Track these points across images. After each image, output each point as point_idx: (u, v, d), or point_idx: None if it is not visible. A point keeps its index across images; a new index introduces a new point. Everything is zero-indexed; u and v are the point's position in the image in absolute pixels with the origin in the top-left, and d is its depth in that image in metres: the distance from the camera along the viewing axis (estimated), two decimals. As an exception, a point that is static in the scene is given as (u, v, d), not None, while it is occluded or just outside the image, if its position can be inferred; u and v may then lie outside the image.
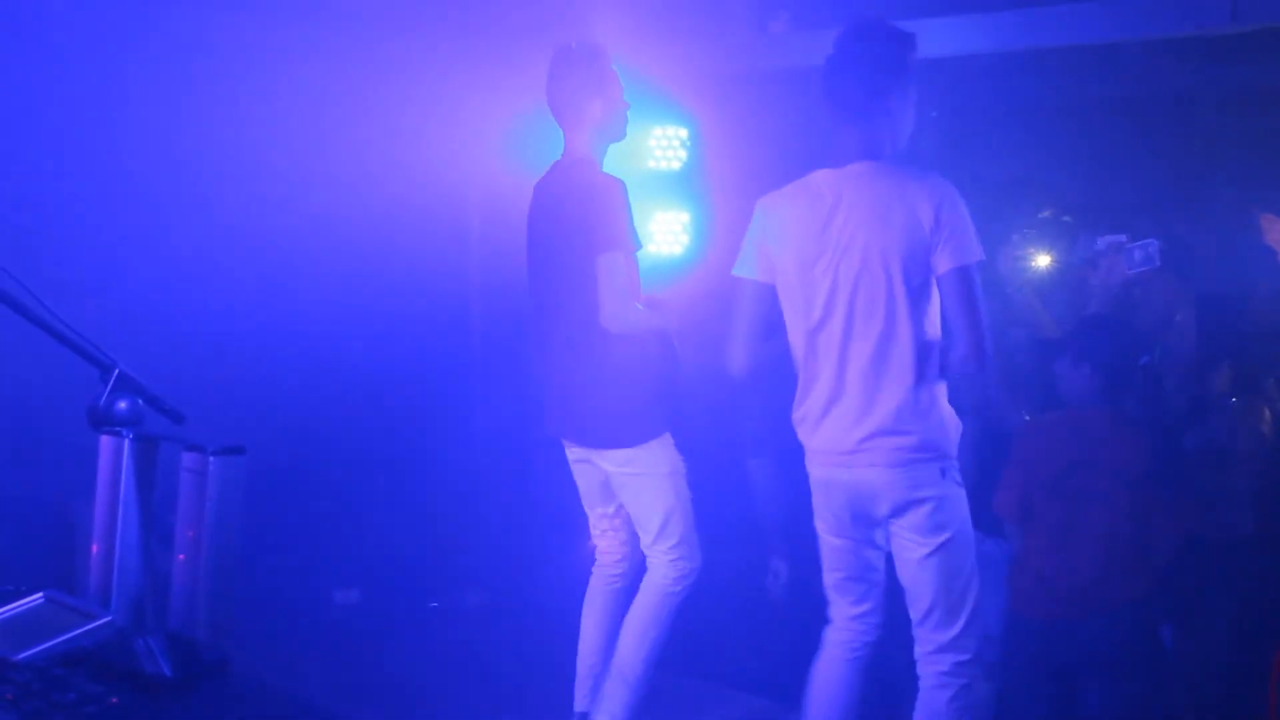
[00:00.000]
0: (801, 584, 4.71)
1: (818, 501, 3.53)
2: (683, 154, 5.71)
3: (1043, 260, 5.07)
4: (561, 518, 5.98)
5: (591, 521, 4.23)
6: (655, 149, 5.64)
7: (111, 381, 2.31)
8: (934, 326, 3.35)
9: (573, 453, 4.14)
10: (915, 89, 3.43)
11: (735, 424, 3.98)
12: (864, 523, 3.47)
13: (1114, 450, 3.93)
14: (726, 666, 4.22)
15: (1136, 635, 3.89)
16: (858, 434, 3.34)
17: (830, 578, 3.62)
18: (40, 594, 2.18)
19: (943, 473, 3.33)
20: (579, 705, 4.19)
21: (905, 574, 3.46)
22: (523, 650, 5.24)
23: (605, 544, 4.22)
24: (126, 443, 2.25)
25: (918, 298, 3.27)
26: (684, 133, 5.70)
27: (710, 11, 6.01)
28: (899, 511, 3.36)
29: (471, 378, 6.00)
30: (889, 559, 3.57)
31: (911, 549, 3.39)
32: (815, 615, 3.93)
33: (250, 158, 4.93)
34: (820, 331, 3.37)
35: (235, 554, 2.19)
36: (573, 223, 3.90)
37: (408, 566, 5.58)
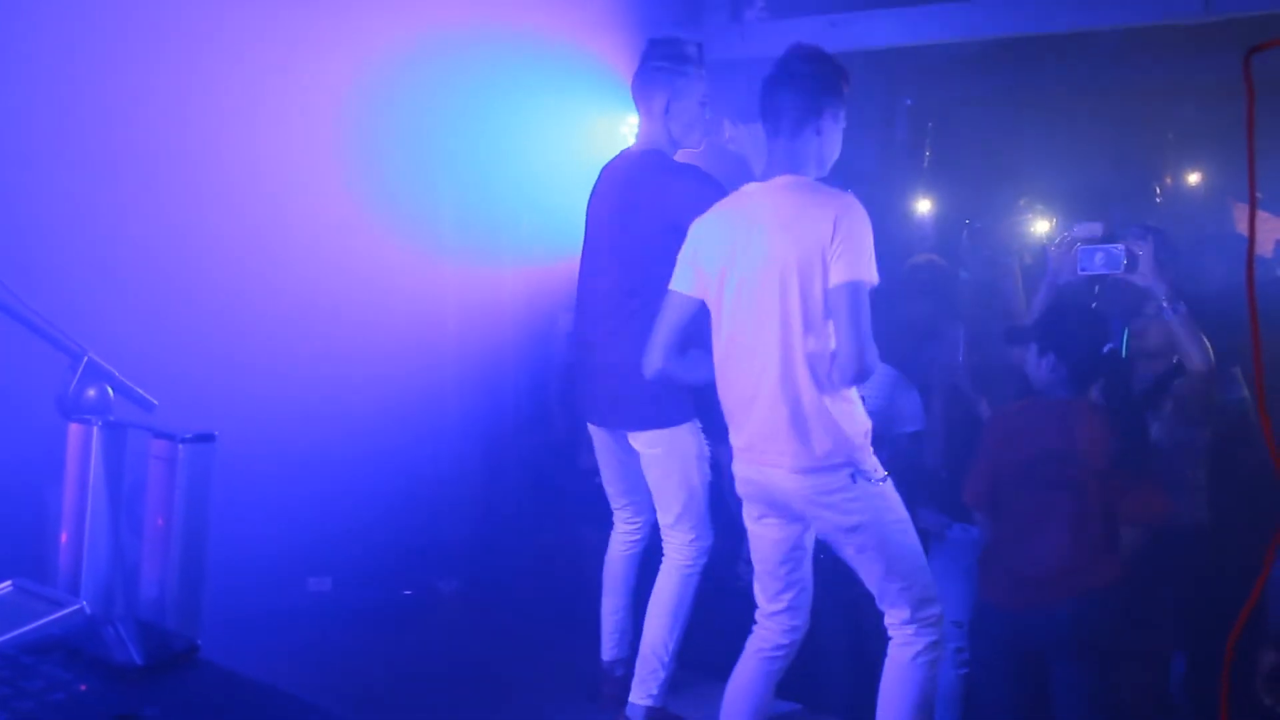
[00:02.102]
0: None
1: (741, 492, 3.62)
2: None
3: (1019, 248, 5.10)
4: (534, 506, 6.01)
5: (611, 497, 4.41)
6: (629, 138, 5.62)
7: (80, 369, 2.30)
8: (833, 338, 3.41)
9: (598, 437, 4.28)
10: (844, 118, 3.53)
11: (707, 412, 4.01)
12: (784, 514, 3.55)
13: (1080, 438, 3.95)
14: (696, 653, 4.25)
15: (1104, 622, 3.91)
16: (767, 440, 3.44)
17: (756, 569, 3.69)
18: (9, 582, 2.17)
19: (852, 478, 3.38)
20: (607, 655, 4.39)
21: (849, 563, 3.54)
22: (495, 638, 5.24)
23: (624, 515, 4.41)
24: (95, 431, 2.24)
25: (819, 307, 3.35)
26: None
27: (685, 0, 6.01)
28: (812, 513, 3.45)
29: (444, 365, 5.99)
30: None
31: (839, 546, 3.50)
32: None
33: (227, 148, 4.90)
34: (735, 338, 3.48)
35: (205, 542, 2.18)
36: (629, 210, 4.00)
37: (380, 554, 5.56)
